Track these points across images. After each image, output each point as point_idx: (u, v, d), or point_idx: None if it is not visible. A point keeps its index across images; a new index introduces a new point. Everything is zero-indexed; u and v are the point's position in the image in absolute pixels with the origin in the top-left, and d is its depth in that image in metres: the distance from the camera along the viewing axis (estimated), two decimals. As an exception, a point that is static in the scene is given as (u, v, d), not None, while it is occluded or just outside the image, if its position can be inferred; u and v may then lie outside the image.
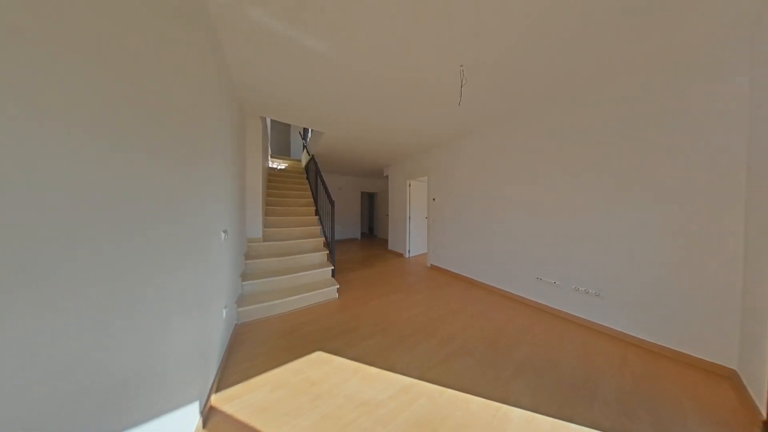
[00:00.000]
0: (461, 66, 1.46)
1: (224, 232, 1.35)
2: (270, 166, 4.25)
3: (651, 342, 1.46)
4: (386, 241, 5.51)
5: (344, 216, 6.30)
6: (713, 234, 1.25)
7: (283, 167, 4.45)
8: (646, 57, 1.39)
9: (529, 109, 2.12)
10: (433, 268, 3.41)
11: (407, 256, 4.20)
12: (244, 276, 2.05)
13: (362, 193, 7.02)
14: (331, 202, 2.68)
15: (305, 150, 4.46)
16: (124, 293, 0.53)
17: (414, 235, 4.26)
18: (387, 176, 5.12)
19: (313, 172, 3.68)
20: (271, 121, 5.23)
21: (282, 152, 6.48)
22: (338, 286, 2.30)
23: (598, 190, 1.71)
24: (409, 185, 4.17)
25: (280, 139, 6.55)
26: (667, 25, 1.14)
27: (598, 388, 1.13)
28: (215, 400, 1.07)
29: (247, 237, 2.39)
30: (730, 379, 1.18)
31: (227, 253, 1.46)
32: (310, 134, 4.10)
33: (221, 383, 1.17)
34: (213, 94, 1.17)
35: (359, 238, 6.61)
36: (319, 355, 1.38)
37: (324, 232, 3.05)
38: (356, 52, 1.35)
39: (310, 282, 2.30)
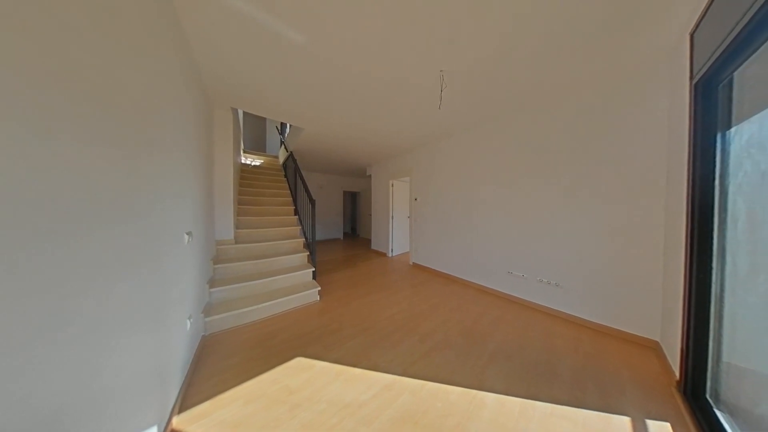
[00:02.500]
0: (441, 71, 1.52)
1: (188, 234, 1.21)
2: (243, 161, 3.93)
3: (599, 323, 1.69)
4: (369, 240, 5.49)
5: (326, 216, 6.12)
6: (642, 229, 1.50)
7: (258, 164, 4.15)
8: (592, 78, 1.60)
9: (501, 117, 2.29)
10: (415, 266, 3.50)
11: (390, 255, 4.24)
12: (213, 282, 1.87)
13: (344, 192, 6.88)
14: (312, 202, 2.58)
15: (283, 146, 4.22)
16: (51, 309, 0.45)
17: (397, 234, 4.32)
18: (370, 175, 5.10)
19: (291, 170, 3.49)
20: (244, 113, 4.84)
21: (257, 147, 6.04)
22: (319, 288, 2.23)
23: (556, 193, 1.92)
24: (392, 185, 4.21)
25: (254, 133, 6.09)
26: (606, 50, 1.33)
27: (557, 367, 1.28)
28: (178, 422, 0.96)
29: (215, 239, 2.18)
30: (654, 349, 1.43)
31: (191, 258, 1.32)
32: (288, 129, 3.89)
33: (185, 402, 1.05)
34: (171, 77, 1.03)
35: (342, 238, 6.48)
36: (298, 362, 1.32)
37: (304, 232, 2.92)
38: (337, 48, 1.32)
39: (289, 285, 2.19)
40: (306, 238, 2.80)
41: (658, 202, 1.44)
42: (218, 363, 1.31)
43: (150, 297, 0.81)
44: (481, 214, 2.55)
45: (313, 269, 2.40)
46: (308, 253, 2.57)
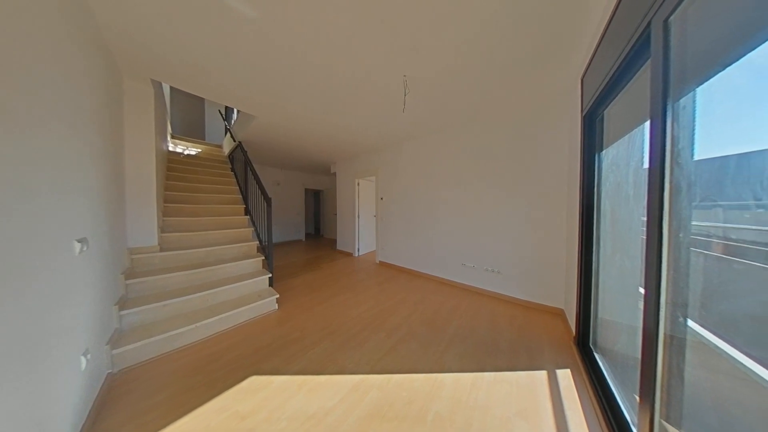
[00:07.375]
0: (405, 75, 1.58)
1: (80, 241, 0.90)
2: (171, 149, 3.19)
3: (527, 300, 2.10)
4: (334, 240, 5.29)
5: (285, 215, 5.57)
6: (553, 224, 1.95)
7: (193, 153, 3.43)
8: (523, 101, 1.98)
9: (457, 126, 2.57)
10: (382, 264, 3.56)
11: (356, 254, 4.19)
12: (125, 303, 1.45)
13: (306, 190, 6.40)
14: (267, 200, 2.30)
15: (229, 134, 3.61)
16: None
17: (363, 233, 4.29)
18: (335, 173, 4.90)
19: (241, 163, 3.03)
20: (173, 90, 3.90)
21: (192, 133, 4.99)
22: (277, 296, 2.01)
23: (498, 195, 2.30)
24: (358, 184, 4.16)
25: (188, 115, 5.02)
26: (531, 80, 1.67)
27: (499, 341, 1.52)
28: (65, 497, 0.70)
29: (129, 246, 1.70)
30: (561, 315, 1.87)
31: (87, 273, 0.99)
32: (235, 115, 3.35)
33: (78, 468, 0.78)
34: (41, 20, 0.75)
35: (304, 239, 6.03)
36: (252, 381, 1.17)
37: (258, 234, 2.58)
38: (297, 34, 1.21)
39: (238, 296, 1.90)
40: (261, 241, 2.48)
41: (562, 203, 1.89)
42: (136, 404, 1.03)
43: (9, 333, 0.57)
44: (441, 213, 2.80)
45: (270, 275, 2.15)
46: (263, 257, 2.28)
